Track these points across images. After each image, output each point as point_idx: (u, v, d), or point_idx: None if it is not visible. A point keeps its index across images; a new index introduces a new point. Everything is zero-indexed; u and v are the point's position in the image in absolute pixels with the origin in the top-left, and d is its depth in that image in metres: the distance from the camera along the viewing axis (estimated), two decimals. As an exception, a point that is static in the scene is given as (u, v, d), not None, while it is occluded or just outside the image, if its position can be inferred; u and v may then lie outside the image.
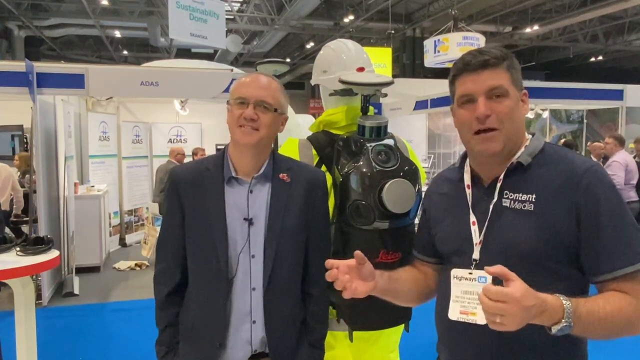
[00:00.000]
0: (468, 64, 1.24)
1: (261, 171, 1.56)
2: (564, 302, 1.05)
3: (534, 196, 1.19)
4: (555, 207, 1.17)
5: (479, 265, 1.22)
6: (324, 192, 1.67)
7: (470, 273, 1.20)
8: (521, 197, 1.21)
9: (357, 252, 1.22)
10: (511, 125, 1.23)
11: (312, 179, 1.64)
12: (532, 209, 1.19)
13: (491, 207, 1.25)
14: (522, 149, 1.25)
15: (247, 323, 1.52)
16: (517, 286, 1.01)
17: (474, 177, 1.33)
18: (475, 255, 1.26)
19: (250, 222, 1.51)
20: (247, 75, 1.62)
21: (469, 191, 1.31)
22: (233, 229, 1.51)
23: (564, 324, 1.04)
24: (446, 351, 1.37)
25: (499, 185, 1.26)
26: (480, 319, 1.13)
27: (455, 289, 1.21)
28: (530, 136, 1.29)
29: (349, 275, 1.21)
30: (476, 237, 1.26)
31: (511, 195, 1.22)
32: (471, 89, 1.23)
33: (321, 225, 1.67)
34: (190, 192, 1.55)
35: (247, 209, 1.52)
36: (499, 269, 1.04)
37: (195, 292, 1.55)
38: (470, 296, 1.18)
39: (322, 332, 1.67)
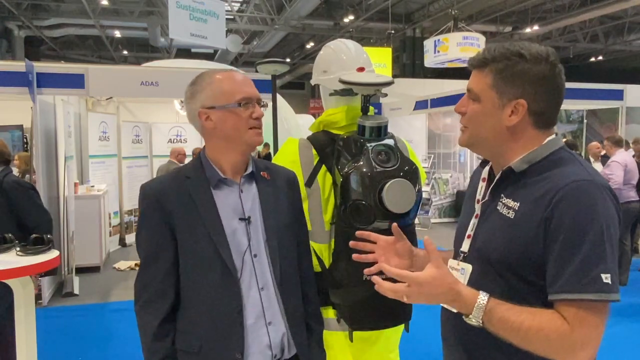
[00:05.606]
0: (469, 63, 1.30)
1: (249, 170, 1.53)
2: (479, 300, 1.12)
3: (517, 204, 1.18)
4: (529, 218, 1.15)
5: (466, 259, 1.28)
6: (299, 191, 1.66)
7: (458, 264, 1.29)
8: (509, 203, 1.21)
9: (394, 226, 1.26)
10: (476, 128, 1.25)
11: (289, 177, 1.63)
12: (512, 216, 1.18)
13: (480, 204, 1.29)
14: (521, 156, 1.22)
15: (263, 326, 1.45)
16: (427, 272, 1.12)
17: (491, 174, 1.34)
18: (464, 247, 1.29)
19: (247, 220, 1.48)
20: (227, 72, 1.52)
21: (482, 184, 1.33)
22: (232, 230, 1.45)
23: (473, 320, 1.12)
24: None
25: (491, 186, 1.28)
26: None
27: None
28: (546, 141, 1.23)
29: (385, 250, 1.26)
30: (470, 230, 1.30)
31: (504, 200, 1.22)
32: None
33: (303, 223, 1.67)
34: (177, 204, 1.44)
35: (242, 208, 1.49)
36: (431, 248, 1.15)
37: (201, 309, 1.44)
38: None
39: (321, 332, 1.67)
